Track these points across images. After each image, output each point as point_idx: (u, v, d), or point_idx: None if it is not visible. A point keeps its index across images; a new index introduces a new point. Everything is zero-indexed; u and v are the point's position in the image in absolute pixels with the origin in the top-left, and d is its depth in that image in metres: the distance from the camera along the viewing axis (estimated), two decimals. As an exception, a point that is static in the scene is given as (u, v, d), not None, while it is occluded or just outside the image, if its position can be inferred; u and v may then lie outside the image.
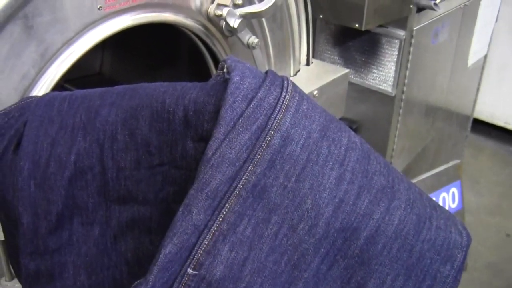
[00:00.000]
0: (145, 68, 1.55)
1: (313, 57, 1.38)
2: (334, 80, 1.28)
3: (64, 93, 0.69)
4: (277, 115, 0.57)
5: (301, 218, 0.57)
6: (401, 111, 1.72)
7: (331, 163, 0.58)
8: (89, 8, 0.83)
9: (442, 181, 1.88)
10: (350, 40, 1.68)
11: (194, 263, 0.55)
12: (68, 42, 0.82)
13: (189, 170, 0.62)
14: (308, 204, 0.57)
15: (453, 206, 1.93)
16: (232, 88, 0.57)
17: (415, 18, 1.60)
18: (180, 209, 0.55)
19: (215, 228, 0.55)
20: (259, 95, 0.57)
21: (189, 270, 0.55)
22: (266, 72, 0.62)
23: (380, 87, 1.68)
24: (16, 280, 0.80)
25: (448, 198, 1.92)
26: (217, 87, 0.60)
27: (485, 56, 2.36)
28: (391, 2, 1.47)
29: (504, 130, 3.14)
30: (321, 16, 1.52)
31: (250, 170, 0.55)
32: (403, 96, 1.69)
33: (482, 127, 3.14)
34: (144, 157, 0.63)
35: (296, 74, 1.31)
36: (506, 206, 2.58)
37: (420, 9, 1.60)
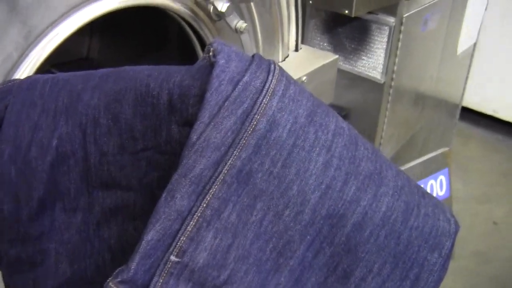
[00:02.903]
0: (133, 53, 1.54)
1: (302, 43, 1.37)
2: (323, 66, 1.26)
3: (46, 76, 0.67)
4: (263, 99, 0.55)
5: (286, 205, 0.56)
6: (390, 98, 1.71)
7: (318, 148, 0.57)
8: (74, -10, 0.81)
9: (430, 169, 1.88)
10: (340, 27, 1.67)
11: (177, 250, 0.54)
12: (53, 24, 0.80)
13: (174, 155, 0.61)
14: (294, 190, 0.56)
15: (441, 193, 1.93)
16: (217, 71, 0.56)
17: (405, 5, 1.59)
18: (163, 195, 0.54)
19: (199, 214, 0.54)
20: (245, 78, 0.56)
21: (172, 257, 0.54)
22: (253, 56, 0.61)
23: (370, 74, 1.67)
24: (-3, 267, 0.79)
25: (436, 186, 1.92)
26: (203, 70, 0.59)
27: (475, 44, 2.36)
28: (381, -12, 1.46)
29: (493, 119, 3.14)
30: (310, 1, 1.51)
31: (235, 155, 0.54)
32: (392, 83, 1.68)
33: (471, 115, 3.14)
34: (128, 142, 0.62)
35: (284, 60, 1.30)
36: (493, 194, 2.59)
37: (410, -4, 1.59)
